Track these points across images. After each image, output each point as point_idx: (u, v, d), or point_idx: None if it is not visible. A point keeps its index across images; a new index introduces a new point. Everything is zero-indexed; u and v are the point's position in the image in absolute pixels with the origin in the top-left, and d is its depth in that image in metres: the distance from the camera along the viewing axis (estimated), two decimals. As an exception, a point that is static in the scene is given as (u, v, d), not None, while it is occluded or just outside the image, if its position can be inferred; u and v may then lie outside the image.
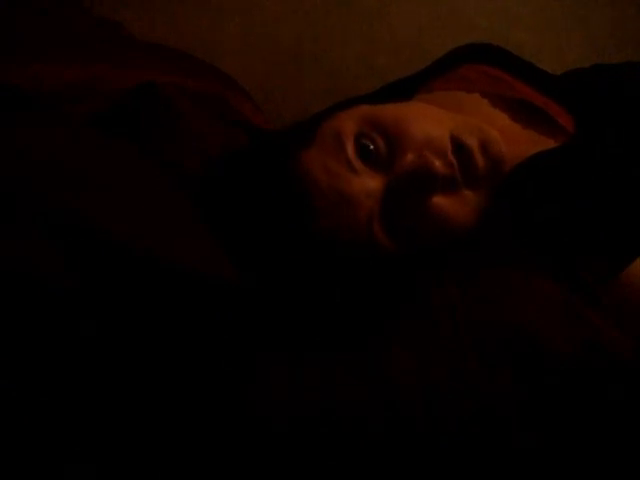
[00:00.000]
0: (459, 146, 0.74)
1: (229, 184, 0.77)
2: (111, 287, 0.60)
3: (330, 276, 0.73)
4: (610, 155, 0.78)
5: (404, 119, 0.75)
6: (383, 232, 0.72)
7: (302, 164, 0.73)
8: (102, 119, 0.86)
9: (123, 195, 0.68)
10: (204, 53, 1.29)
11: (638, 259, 0.70)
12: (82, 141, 0.76)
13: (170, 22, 1.49)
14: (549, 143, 0.82)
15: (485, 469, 0.59)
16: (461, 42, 1.03)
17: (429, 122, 0.76)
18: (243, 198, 0.75)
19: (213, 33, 1.51)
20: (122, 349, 0.59)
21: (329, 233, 0.71)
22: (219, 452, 0.57)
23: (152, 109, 0.87)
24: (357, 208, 0.71)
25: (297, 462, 0.57)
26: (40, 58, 0.90)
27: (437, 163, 0.71)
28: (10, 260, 0.56)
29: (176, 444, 0.57)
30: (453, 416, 0.60)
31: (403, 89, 0.97)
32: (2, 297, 0.55)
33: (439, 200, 0.73)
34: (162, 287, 0.62)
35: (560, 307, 0.66)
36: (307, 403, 0.59)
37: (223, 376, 0.60)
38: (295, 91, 1.53)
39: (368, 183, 0.72)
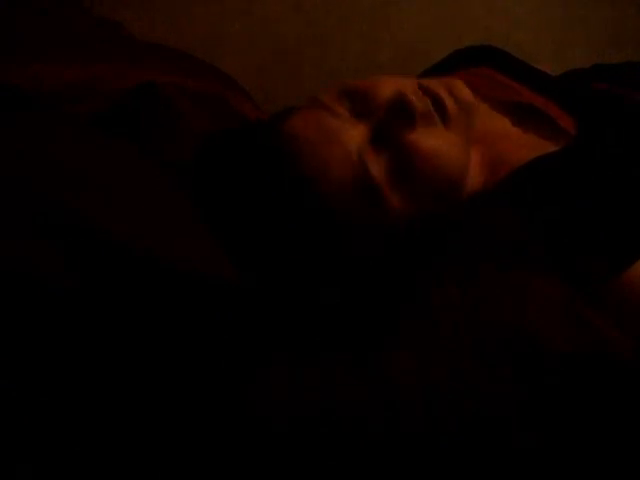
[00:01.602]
0: (428, 93, 0.77)
1: (219, 158, 0.78)
2: (111, 287, 0.60)
3: (330, 251, 0.74)
4: (610, 156, 0.78)
5: (377, 81, 0.79)
6: (375, 164, 0.74)
7: (284, 129, 0.76)
8: (102, 119, 0.86)
9: (123, 195, 0.68)
10: (204, 53, 1.29)
11: (638, 259, 0.70)
12: (82, 141, 0.76)
13: (170, 22, 1.49)
14: (550, 146, 0.82)
15: (485, 469, 0.59)
16: (461, 42, 1.03)
17: (399, 80, 0.79)
18: (233, 169, 0.77)
19: (213, 33, 1.51)
20: (122, 349, 0.59)
21: (321, 182, 0.73)
22: (219, 452, 0.57)
23: (152, 109, 0.87)
24: (341, 140, 0.74)
25: (297, 462, 0.57)
26: (40, 58, 0.90)
27: (413, 97, 0.75)
28: (10, 260, 0.56)
29: (176, 444, 0.57)
30: (453, 416, 0.60)
31: None
32: (2, 297, 0.55)
33: (421, 134, 0.75)
34: (162, 287, 0.62)
35: (560, 307, 0.66)
36: (307, 403, 0.59)
37: (223, 376, 0.60)
38: (295, 91, 1.53)
39: (352, 123, 0.75)
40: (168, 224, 0.69)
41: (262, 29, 1.54)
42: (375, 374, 0.61)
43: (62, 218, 0.60)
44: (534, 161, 0.78)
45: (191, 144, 0.85)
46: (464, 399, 0.60)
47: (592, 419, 0.60)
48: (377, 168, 0.74)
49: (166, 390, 0.58)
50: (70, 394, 0.56)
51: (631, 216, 0.73)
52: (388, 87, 0.77)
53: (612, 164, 0.77)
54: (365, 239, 0.76)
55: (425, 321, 0.66)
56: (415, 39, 1.56)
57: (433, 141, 0.75)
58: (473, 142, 0.83)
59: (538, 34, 1.58)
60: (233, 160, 0.78)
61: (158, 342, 0.60)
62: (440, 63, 1.01)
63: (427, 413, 0.59)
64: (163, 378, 0.59)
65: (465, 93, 0.78)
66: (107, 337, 0.58)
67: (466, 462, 0.59)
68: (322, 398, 0.59)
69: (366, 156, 0.74)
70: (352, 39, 1.56)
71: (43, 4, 1.10)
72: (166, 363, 0.59)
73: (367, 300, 0.70)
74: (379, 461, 0.58)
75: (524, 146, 0.82)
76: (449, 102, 0.77)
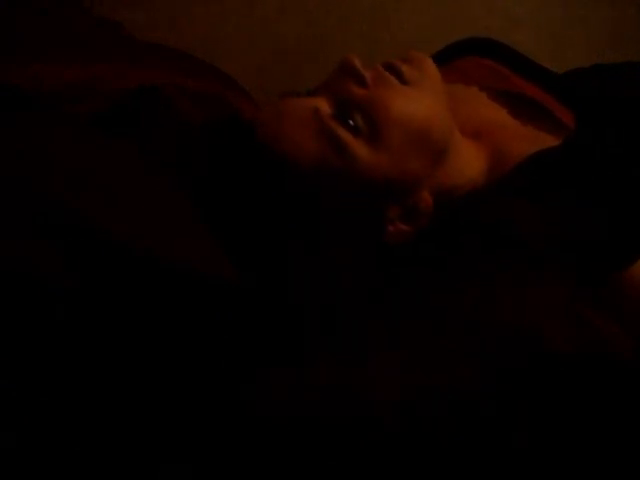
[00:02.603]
0: (386, 65, 0.80)
1: (211, 158, 0.80)
2: (111, 287, 0.60)
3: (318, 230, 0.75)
4: (610, 155, 0.78)
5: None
6: (333, 120, 0.76)
7: (256, 122, 0.79)
8: (102, 119, 0.86)
9: (123, 195, 0.68)
10: (204, 53, 1.29)
11: (638, 259, 0.70)
12: (82, 141, 0.76)
13: (170, 22, 1.48)
14: (548, 138, 0.82)
15: (485, 469, 0.59)
16: (460, 41, 1.03)
17: None
18: (224, 168, 0.78)
19: (213, 33, 1.51)
20: (122, 349, 0.59)
21: (288, 152, 0.75)
22: (219, 452, 0.57)
23: (152, 109, 0.87)
24: (298, 108, 0.77)
25: (297, 462, 0.57)
26: (40, 58, 0.90)
27: (356, 60, 0.79)
28: (10, 260, 0.56)
29: (176, 444, 0.57)
30: (453, 416, 0.59)
31: None
32: (2, 297, 0.55)
33: (373, 91, 0.77)
34: (162, 287, 0.62)
35: (560, 307, 0.66)
36: (307, 403, 0.59)
37: (223, 376, 0.60)
38: (295, 91, 1.53)
39: (309, 97, 0.78)
40: (168, 224, 0.69)
41: (262, 29, 1.53)
42: (375, 374, 0.61)
43: (62, 218, 0.60)
44: (535, 157, 0.78)
45: (191, 144, 0.85)
46: (464, 399, 0.60)
47: (592, 419, 0.60)
48: (340, 127, 0.76)
49: (166, 390, 0.58)
50: (70, 394, 0.56)
51: (631, 216, 0.73)
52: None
53: (612, 164, 0.77)
54: (359, 241, 0.77)
55: (425, 321, 0.66)
56: (415, 39, 1.56)
57: (391, 95, 0.76)
58: (475, 134, 0.83)
59: (538, 34, 1.58)
60: (223, 160, 0.78)
61: (158, 342, 0.60)
62: (439, 53, 1.01)
63: (427, 413, 0.59)
64: (163, 378, 0.59)
65: (416, 55, 0.80)
66: (107, 337, 0.58)
67: (466, 462, 0.59)
68: (322, 398, 0.59)
69: (324, 112, 0.76)
70: (352, 39, 1.56)
71: (43, 4, 1.10)
72: (166, 363, 0.59)
73: (366, 300, 0.70)
74: (379, 461, 0.58)
75: (523, 138, 0.82)
76: (402, 65, 0.79)
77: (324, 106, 0.77)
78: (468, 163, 0.81)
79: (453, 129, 0.81)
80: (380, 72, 0.78)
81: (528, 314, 0.65)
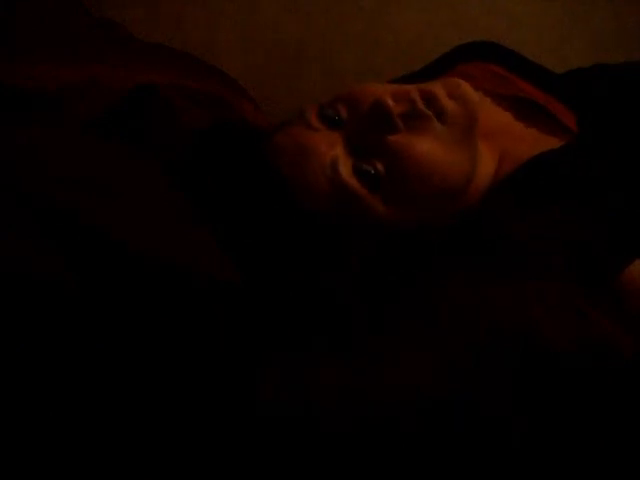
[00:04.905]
0: (427, 96, 0.73)
1: (214, 165, 0.78)
2: (111, 287, 0.60)
3: (323, 254, 0.74)
4: (611, 156, 0.78)
5: (370, 86, 0.76)
6: (352, 175, 0.73)
7: (270, 145, 0.75)
8: (102, 119, 0.86)
9: (123, 195, 0.68)
10: (204, 53, 1.29)
11: (638, 259, 0.70)
12: (82, 141, 0.76)
13: (170, 22, 1.49)
14: (551, 141, 0.82)
15: (484, 470, 0.59)
16: (461, 42, 1.03)
17: (380, 87, 0.76)
18: (228, 177, 0.76)
19: (213, 33, 1.51)
20: (122, 349, 0.59)
21: (301, 191, 0.73)
22: (219, 453, 0.57)
23: (152, 109, 0.87)
24: (317, 154, 0.72)
25: (297, 462, 0.57)
26: (40, 58, 0.90)
27: (390, 102, 0.71)
28: (10, 260, 0.56)
29: (176, 444, 0.57)
30: (453, 416, 0.59)
31: None
32: (1, 297, 0.55)
33: (404, 137, 0.72)
34: (163, 287, 0.62)
35: (561, 306, 0.66)
36: (307, 403, 0.59)
37: (223, 376, 0.60)
38: (295, 91, 1.53)
39: (329, 136, 0.73)
40: (168, 224, 0.69)
41: (262, 30, 1.54)
42: (375, 374, 0.61)
43: (63, 218, 0.60)
44: (537, 158, 0.78)
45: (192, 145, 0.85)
46: (464, 399, 0.60)
47: (592, 419, 0.60)
48: (353, 179, 0.73)
49: (166, 390, 0.58)
50: (72, 393, 0.56)
51: (631, 216, 0.73)
52: (369, 96, 0.74)
53: (612, 165, 0.77)
54: (358, 242, 0.76)
55: (425, 321, 0.66)
56: (415, 39, 1.56)
57: (422, 143, 0.72)
58: (481, 138, 0.82)
59: (538, 34, 1.58)
60: (228, 168, 0.78)
61: (158, 341, 0.60)
62: (442, 58, 1.01)
63: (427, 413, 0.59)
64: (163, 378, 0.59)
65: (465, 90, 0.74)
66: (108, 337, 0.58)
67: (465, 462, 0.59)
68: (322, 398, 0.59)
69: (343, 167, 0.73)
70: (352, 39, 1.56)
71: (43, 4, 1.10)
72: (166, 363, 0.59)
73: (367, 300, 0.70)
74: (379, 460, 0.58)
75: (525, 141, 0.82)
76: (449, 104, 0.73)
77: (344, 156, 0.73)
78: (482, 172, 0.80)
79: (477, 156, 0.77)
80: (418, 111, 0.72)
81: (529, 313, 0.65)
